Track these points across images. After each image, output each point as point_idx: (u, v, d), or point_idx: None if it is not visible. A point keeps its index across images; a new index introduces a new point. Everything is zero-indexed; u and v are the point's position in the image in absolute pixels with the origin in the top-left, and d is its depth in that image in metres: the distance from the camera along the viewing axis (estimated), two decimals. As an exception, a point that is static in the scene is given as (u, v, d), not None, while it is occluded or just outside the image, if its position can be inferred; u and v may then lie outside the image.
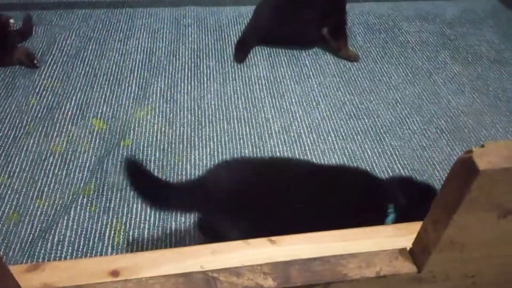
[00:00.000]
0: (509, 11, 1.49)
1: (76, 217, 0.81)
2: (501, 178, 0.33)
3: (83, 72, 1.14)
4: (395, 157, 0.94)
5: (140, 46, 1.24)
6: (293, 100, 1.09)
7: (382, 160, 0.94)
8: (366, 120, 1.04)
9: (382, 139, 0.99)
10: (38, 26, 1.28)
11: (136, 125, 1.00)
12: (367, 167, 0.92)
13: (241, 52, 1.23)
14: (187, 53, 1.22)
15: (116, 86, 1.10)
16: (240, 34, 1.29)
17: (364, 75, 1.18)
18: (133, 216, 0.81)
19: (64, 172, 0.89)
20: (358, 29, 1.36)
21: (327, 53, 1.25)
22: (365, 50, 1.27)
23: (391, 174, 0.90)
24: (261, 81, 1.14)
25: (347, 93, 1.12)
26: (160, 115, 1.03)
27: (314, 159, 0.93)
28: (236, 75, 1.16)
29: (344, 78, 1.17)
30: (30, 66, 1.13)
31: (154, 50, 1.23)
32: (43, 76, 1.12)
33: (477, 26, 1.40)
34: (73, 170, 0.89)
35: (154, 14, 1.38)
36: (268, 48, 1.26)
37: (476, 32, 1.37)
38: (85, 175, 0.88)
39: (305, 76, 1.17)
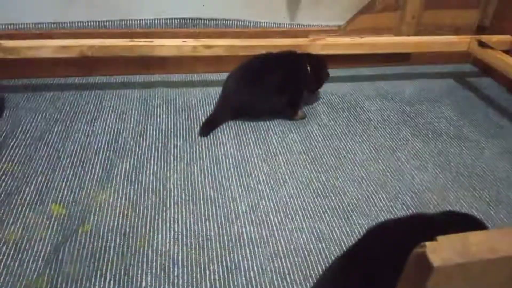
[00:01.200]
0: (465, 89, 1.58)
1: (25, 313, 0.75)
2: (456, 274, 0.32)
3: (46, 154, 1.12)
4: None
5: (107, 127, 1.24)
6: (261, 179, 1.08)
7: (351, 239, 0.93)
8: (333, 198, 1.04)
9: (350, 217, 0.99)
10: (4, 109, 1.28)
11: (97, 209, 0.96)
12: (336, 247, 0.91)
13: (207, 127, 1.25)
14: (154, 133, 1.23)
15: (79, 169, 1.07)
16: (208, 113, 1.32)
17: (330, 152, 1.20)
18: (89, 310, 0.76)
19: (17, 263, 0.83)
20: (322, 108, 1.41)
21: (293, 131, 1.28)
22: (330, 128, 1.31)
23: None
24: (229, 160, 1.14)
25: (313, 171, 1.12)
26: (123, 198, 1.00)
27: (282, 240, 0.91)
28: (204, 154, 1.16)
29: (310, 156, 1.18)
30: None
31: (121, 131, 1.23)
32: (3, 159, 1.09)
33: (435, 104, 1.48)
34: (26, 259, 0.84)
35: (123, 95, 1.40)
36: (235, 127, 1.28)
37: (435, 109, 1.44)
38: (39, 265, 0.83)
39: (272, 154, 1.18)
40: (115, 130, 1.23)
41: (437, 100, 1.50)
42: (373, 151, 1.22)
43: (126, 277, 0.82)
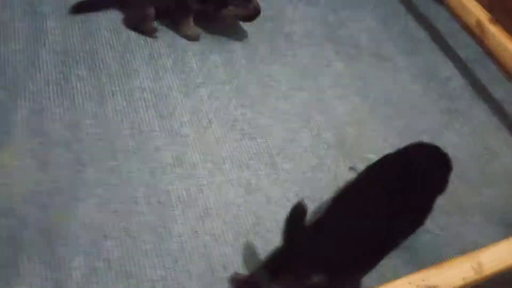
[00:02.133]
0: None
1: None
2: None
3: None
4: (288, 184, 0.97)
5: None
6: (184, 119, 1.02)
7: (277, 189, 0.95)
8: (259, 140, 1.03)
9: (275, 162, 1.00)
10: None
11: (4, 175, 0.84)
12: (264, 198, 0.94)
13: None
14: (50, 59, 1.03)
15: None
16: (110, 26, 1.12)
17: (254, 80, 1.14)
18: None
19: None
20: (244, 17, 1.28)
21: (214, 51, 1.16)
22: (253, 47, 1.21)
23: (286, 203, 0.93)
24: (146, 95, 1.03)
25: (239, 106, 1.07)
26: (30, 156, 0.88)
27: (213, 195, 0.91)
28: (115, 88, 1.02)
29: (234, 85, 1.11)
30: None
31: (7, 57, 1.01)
32: None
33: (358, 10, 1.41)
34: None
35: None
36: (148, 47, 1.12)
37: (357, 17, 1.38)
38: None
39: (194, 85, 1.09)
40: (0, 56, 1.01)
41: (360, 5, 1.44)
42: (297, 76, 1.19)
43: (54, 258, 0.78)
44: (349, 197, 0.86)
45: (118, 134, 0.95)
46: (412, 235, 0.86)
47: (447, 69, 1.32)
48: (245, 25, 1.25)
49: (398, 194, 0.84)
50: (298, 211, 0.75)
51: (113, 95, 1.01)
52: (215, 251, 0.84)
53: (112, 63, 1.06)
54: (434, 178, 0.90)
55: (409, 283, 0.70)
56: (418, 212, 0.86)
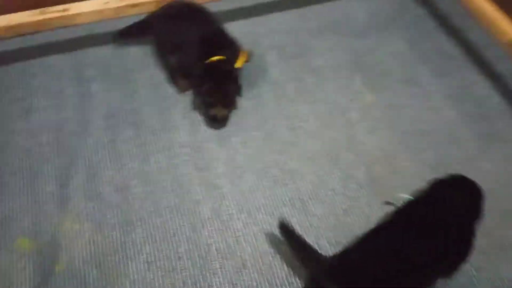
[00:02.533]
0: (415, 6, 1.50)
1: None
2: None
3: (-11, 172, 1.05)
4: (321, 230, 1.01)
5: (45, 121, 1.14)
6: (219, 171, 1.10)
7: (309, 236, 1.00)
8: (291, 186, 1.08)
9: (307, 208, 1.05)
10: None
11: (65, 239, 0.97)
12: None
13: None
14: (99, 122, 1.15)
15: (31, 188, 1.03)
16: (151, 78, 1.23)
17: (282, 123, 1.19)
18: None
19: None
20: (272, 56, 1.33)
21: (244, 98, 1.23)
22: (280, 87, 1.26)
23: (318, 248, 0.99)
24: (184, 150, 1.13)
25: (270, 152, 1.14)
26: (87, 219, 1.00)
27: (248, 248, 0.98)
28: (157, 146, 1.13)
29: (264, 131, 1.17)
30: None
31: (62, 124, 1.14)
32: None
33: (384, 34, 1.41)
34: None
35: (50, 66, 1.24)
36: (183, 101, 1.21)
37: (384, 41, 1.39)
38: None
39: (227, 135, 1.17)
40: (55, 124, 1.14)
41: (388, 26, 1.43)
42: (326, 113, 1.22)
43: (111, 314, 0.90)
44: (381, 234, 0.91)
45: (162, 191, 1.06)
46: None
47: (483, 87, 1.30)
48: (272, 64, 1.31)
49: (433, 229, 0.88)
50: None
51: (155, 152, 1.11)
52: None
53: (152, 120, 1.17)
54: (467, 207, 0.93)
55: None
56: (458, 246, 0.89)
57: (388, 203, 1.04)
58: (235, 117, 1.19)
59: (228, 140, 1.15)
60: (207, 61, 1.14)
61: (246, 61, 1.24)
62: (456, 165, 1.12)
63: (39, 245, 0.96)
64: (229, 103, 1.16)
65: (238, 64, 1.18)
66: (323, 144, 1.17)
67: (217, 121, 1.16)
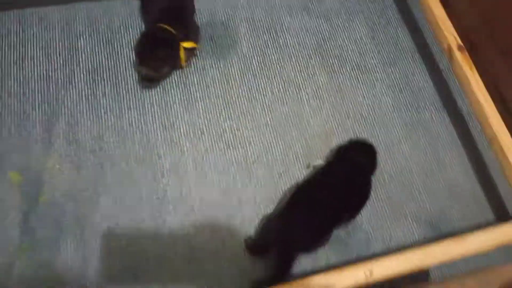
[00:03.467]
0: (384, -7, 1.62)
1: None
2: None
3: (-13, 111, 1.24)
4: (258, 188, 1.25)
5: (36, 69, 1.31)
6: (182, 131, 1.30)
7: (249, 192, 1.24)
8: (240, 149, 1.30)
9: (251, 169, 1.28)
10: None
11: (48, 176, 1.19)
12: (236, 198, 1.23)
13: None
14: (82, 76, 1.32)
15: (22, 128, 1.23)
16: (133, 39, 1.37)
17: (244, 94, 1.38)
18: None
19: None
20: (244, 28, 1.47)
21: (213, 66, 1.40)
22: (247, 61, 1.43)
23: (254, 206, 1.23)
24: (154, 109, 1.31)
25: (227, 119, 1.33)
26: (67, 161, 1.21)
27: (196, 198, 1.22)
28: (131, 103, 1.31)
29: (226, 99, 1.36)
30: None
31: (50, 75, 1.31)
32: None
33: (351, 18, 1.55)
34: (8, 228, 1.12)
35: (43, 17, 1.38)
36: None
37: (350, 26, 1.53)
38: (17, 233, 1.12)
39: (193, 99, 1.35)
40: (45, 73, 1.31)
41: (356, 12, 1.56)
42: (282, 89, 1.40)
43: (82, 238, 1.14)
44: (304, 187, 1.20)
45: (132, 142, 1.26)
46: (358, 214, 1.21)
47: (421, 79, 1.48)
48: (243, 37, 1.46)
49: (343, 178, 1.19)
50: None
51: (128, 109, 1.30)
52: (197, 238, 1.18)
53: (129, 79, 1.34)
54: (366, 162, 1.24)
55: (319, 279, 1.00)
56: (362, 190, 1.21)
57: (308, 167, 1.30)
58: (202, 84, 1.37)
59: (193, 104, 1.34)
60: (153, 25, 1.28)
61: (189, 52, 1.33)
62: (382, 147, 1.35)
63: (26, 179, 1.18)
64: (156, 66, 1.26)
65: (185, 44, 1.29)
66: (273, 117, 1.36)
67: (142, 79, 1.32)
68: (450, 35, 1.35)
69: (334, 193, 1.14)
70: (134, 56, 1.32)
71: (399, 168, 1.33)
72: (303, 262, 1.17)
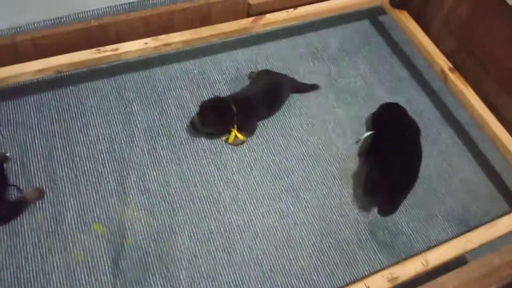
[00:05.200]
0: (377, 34, 1.92)
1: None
2: None
3: (64, 174, 1.40)
4: (308, 209, 1.44)
5: (100, 134, 1.50)
6: (234, 169, 1.49)
7: (301, 214, 1.43)
8: (286, 179, 1.50)
9: (299, 194, 1.47)
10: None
11: (129, 223, 1.35)
12: (291, 221, 1.41)
13: None
14: (140, 135, 1.52)
15: (98, 185, 1.40)
16: (176, 98, 1.59)
17: (278, 131, 1.60)
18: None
19: (93, 278, 1.26)
20: (267, 78, 1.72)
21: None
22: (276, 103, 1.66)
23: (306, 225, 1.41)
24: (206, 154, 1.51)
25: (269, 154, 1.54)
26: (142, 208, 1.38)
27: (258, 224, 1.39)
28: (186, 151, 1.51)
29: (265, 139, 1.57)
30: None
31: (113, 136, 1.50)
32: (33, 185, 1.36)
33: (353, 57, 1.83)
34: (98, 274, 1.26)
35: (97, 90, 1.59)
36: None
37: (353, 65, 1.81)
38: (109, 278, 1.26)
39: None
40: (108, 137, 1.50)
41: (356, 52, 1.85)
42: (309, 124, 1.63)
43: (168, 273, 1.29)
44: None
45: (194, 185, 1.44)
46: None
47: (422, 102, 1.74)
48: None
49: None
50: None
51: (185, 157, 1.49)
52: (266, 258, 1.34)
53: (181, 132, 1.54)
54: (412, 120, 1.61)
55: (382, 276, 1.17)
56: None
57: (357, 141, 1.59)
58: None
59: (239, 147, 1.55)
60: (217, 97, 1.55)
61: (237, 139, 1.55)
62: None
63: (109, 228, 1.34)
64: (207, 123, 1.49)
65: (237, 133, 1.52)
66: (307, 148, 1.58)
67: (192, 125, 1.52)
68: (440, 60, 1.63)
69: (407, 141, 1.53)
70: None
71: (421, 178, 1.54)
72: (359, 268, 1.35)
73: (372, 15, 1.99)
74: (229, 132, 1.52)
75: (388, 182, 1.40)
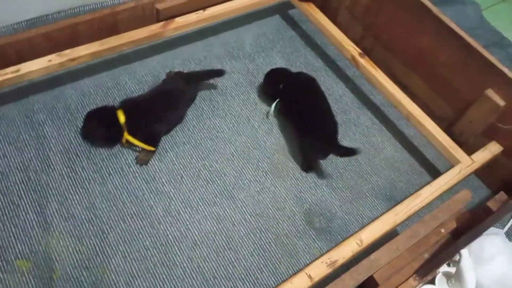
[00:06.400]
0: (290, 29, 1.95)
1: None
2: None
3: (-25, 213, 1.27)
4: (244, 208, 1.43)
5: (12, 164, 1.38)
6: (163, 180, 1.44)
7: (238, 214, 1.42)
8: (218, 182, 1.48)
9: (233, 195, 1.46)
10: None
11: (55, 253, 1.25)
12: (229, 224, 1.40)
13: None
14: (57, 159, 1.42)
15: (16, 219, 1.29)
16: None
17: (205, 135, 1.57)
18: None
19: (22, 319, 1.15)
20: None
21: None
22: (198, 107, 1.63)
23: (244, 225, 1.40)
24: (132, 168, 1.45)
25: (199, 159, 1.51)
26: (68, 236, 1.29)
27: (195, 232, 1.36)
28: (110, 169, 1.43)
29: (192, 144, 1.54)
30: None
31: (27, 164, 1.39)
32: None
33: (269, 54, 1.85)
34: (28, 314, 1.16)
35: (3, 116, 1.47)
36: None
37: (270, 61, 1.83)
38: (41, 315, 1.16)
39: (163, 150, 1.51)
40: (21, 165, 1.38)
41: (271, 48, 1.87)
42: (235, 124, 1.63)
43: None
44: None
45: (122, 203, 1.37)
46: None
47: (339, 89, 1.81)
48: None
49: None
50: None
51: (109, 175, 1.42)
52: (208, 265, 1.31)
53: (101, 150, 1.46)
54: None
55: (321, 262, 1.19)
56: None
57: (267, 116, 1.66)
58: (167, 136, 1.54)
59: (165, 155, 1.50)
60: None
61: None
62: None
63: (35, 263, 1.24)
64: (87, 132, 1.47)
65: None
66: (236, 147, 1.57)
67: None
68: (350, 47, 1.70)
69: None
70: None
71: (347, 160, 1.60)
72: (301, 258, 1.37)
73: (282, 10, 2.03)
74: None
75: (317, 134, 1.52)
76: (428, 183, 1.49)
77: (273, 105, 1.64)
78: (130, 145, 1.47)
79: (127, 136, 1.43)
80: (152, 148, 1.47)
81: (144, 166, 1.46)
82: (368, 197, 1.55)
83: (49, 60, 1.40)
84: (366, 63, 1.65)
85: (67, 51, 1.44)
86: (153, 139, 1.48)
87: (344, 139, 1.66)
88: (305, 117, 1.55)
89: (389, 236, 1.33)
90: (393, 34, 1.75)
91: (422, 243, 1.27)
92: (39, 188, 1.36)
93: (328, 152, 1.53)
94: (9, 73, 1.34)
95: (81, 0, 1.59)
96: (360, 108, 1.77)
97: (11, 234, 1.27)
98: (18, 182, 1.35)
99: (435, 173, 1.66)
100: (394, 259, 1.20)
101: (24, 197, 1.33)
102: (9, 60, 1.46)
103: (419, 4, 1.60)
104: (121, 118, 1.42)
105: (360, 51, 1.69)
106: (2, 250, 1.24)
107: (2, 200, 1.31)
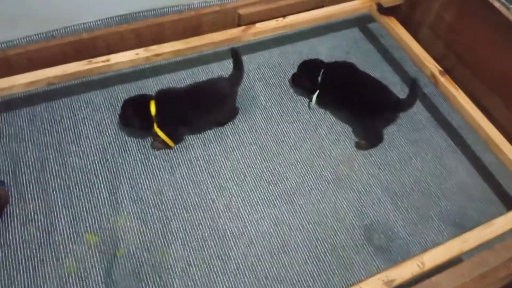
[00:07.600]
0: (368, 42, 1.94)
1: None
2: None
3: (57, 185, 1.40)
4: (303, 215, 1.43)
5: (92, 145, 1.50)
6: (227, 177, 1.49)
7: (296, 219, 1.42)
8: (280, 185, 1.49)
9: (293, 200, 1.46)
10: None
11: (122, 233, 1.34)
12: (286, 227, 1.40)
13: None
14: (134, 145, 1.52)
15: (91, 195, 1.39)
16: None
17: (271, 138, 1.60)
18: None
19: (85, 289, 1.24)
20: (259, 86, 1.73)
21: (241, 120, 1.62)
22: (268, 111, 1.67)
23: (301, 231, 1.40)
24: (199, 162, 1.51)
25: (263, 161, 1.54)
26: (135, 217, 1.37)
27: (252, 230, 1.38)
28: (179, 160, 1.50)
29: (258, 145, 1.57)
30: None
31: (106, 147, 1.50)
32: (27, 200, 1.36)
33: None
34: (91, 285, 1.24)
35: (90, 101, 1.60)
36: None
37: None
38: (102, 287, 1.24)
39: (230, 148, 1.55)
40: (100, 147, 1.50)
41: (346, 59, 1.85)
42: (302, 130, 1.64)
43: (161, 283, 1.27)
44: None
45: (187, 193, 1.43)
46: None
47: (415, 106, 1.73)
48: (260, 93, 1.71)
49: None
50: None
51: (178, 165, 1.49)
52: (261, 264, 1.33)
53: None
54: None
55: (378, 279, 1.16)
56: None
57: (310, 106, 1.70)
58: (235, 136, 1.59)
59: (231, 153, 1.54)
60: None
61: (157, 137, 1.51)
62: (398, 165, 1.57)
63: (102, 238, 1.33)
64: (123, 118, 1.51)
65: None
66: (301, 153, 1.58)
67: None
68: (430, 64, 1.65)
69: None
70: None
71: (416, 180, 1.55)
72: (356, 273, 1.34)
73: (361, 23, 2.02)
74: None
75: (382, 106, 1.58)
76: (502, 213, 1.39)
77: (314, 96, 1.65)
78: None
79: (156, 129, 1.47)
80: (172, 144, 1.51)
81: (210, 162, 1.51)
82: (435, 221, 1.48)
83: (137, 54, 1.51)
84: (446, 82, 1.59)
85: (153, 47, 1.55)
86: (174, 138, 1.52)
87: (415, 158, 1.60)
88: (359, 97, 1.57)
89: (452, 264, 1.27)
90: (477, 53, 1.67)
91: (490, 274, 1.19)
92: (114, 170, 1.46)
93: (397, 116, 1.63)
94: (100, 62, 1.47)
95: (170, 1, 1.70)
96: (435, 128, 1.70)
97: (84, 209, 1.37)
98: (96, 162, 1.47)
99: (510, 204, 1.54)
100: (457, 286, 1.13)
101: (100, 176, 1.44)
102: (100, 51, 1.59)
103: (507, 23, 1.52)
104: (152, 109, 1.46)
105: (440, 68, 1.63)
106: (74, 222, 1.35)
107: (80, 176, 1.43)
